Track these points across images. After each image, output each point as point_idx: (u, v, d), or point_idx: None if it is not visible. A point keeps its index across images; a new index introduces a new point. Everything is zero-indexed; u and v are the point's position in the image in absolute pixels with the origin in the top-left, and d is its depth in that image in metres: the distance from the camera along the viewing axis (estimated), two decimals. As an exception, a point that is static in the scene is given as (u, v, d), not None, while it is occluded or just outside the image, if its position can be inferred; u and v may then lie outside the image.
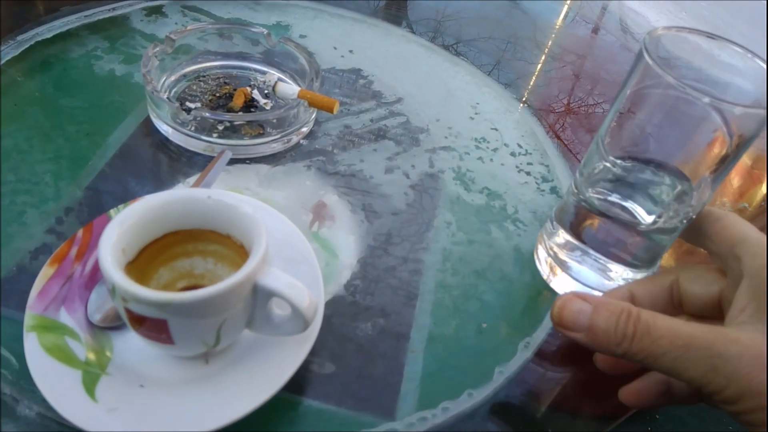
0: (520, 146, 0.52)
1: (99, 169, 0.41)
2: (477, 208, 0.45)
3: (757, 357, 0.25)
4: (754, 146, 0.65)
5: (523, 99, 0.59)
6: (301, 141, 0.47)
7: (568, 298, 0.29)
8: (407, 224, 0.42)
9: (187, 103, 0.46)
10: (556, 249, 0.39)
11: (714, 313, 0.31)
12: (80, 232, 0.34)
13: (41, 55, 0.50)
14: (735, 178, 0.61)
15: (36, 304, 0.30)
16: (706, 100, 0.28)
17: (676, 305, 0.33)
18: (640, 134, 0.32)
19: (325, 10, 0.64)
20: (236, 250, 0.30)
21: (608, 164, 0.34)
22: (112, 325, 0.30)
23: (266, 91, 0.48)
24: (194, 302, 0.25)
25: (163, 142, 0.44)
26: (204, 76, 0.49)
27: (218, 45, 0.50)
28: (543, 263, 0.40)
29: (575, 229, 0.37)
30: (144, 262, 0.29)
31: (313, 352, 0.31)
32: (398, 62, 0.59)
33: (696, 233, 0.33)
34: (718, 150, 0.31)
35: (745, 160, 0.64)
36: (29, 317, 0.29)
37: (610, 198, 0.35)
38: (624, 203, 0.34)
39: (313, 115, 0.48)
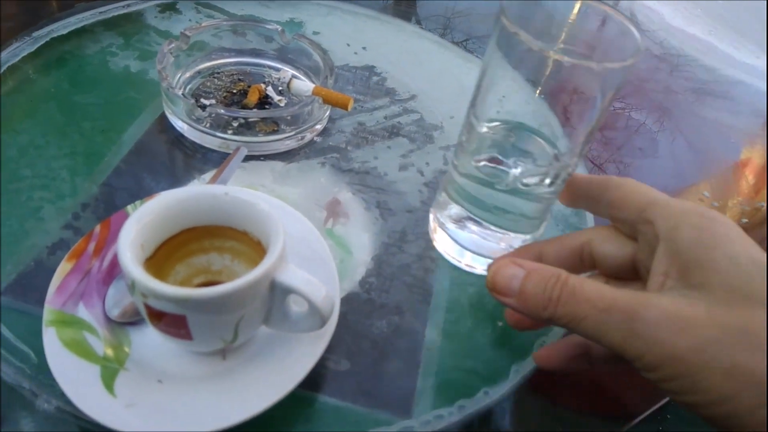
0: (534, 144, 0.52)
1: (114, 166, 0.41)
2: (492, 206, 0.45)
3: (678, 322, 0.24)
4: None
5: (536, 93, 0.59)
6: (315, 138, 0.47)
7: (503, 263, 0.29)
8: (422, 222, 0.42)
9: (202, 100, 0.46)
10: (442, 217, 0.39)
11: (629, 274, 0.31)
12: (98, 228, 0.34)
13: (57, 51, 0.50)
14: (750, 176, 0.61)
15: (55, 299, 0.30)
16: (536, 47, 0.29)
17: (587, 266, 0.32)
18: (509, 99, 0.33)
19: (338, 6, 0.64)
20: (253, 247, 0.30)
21: (482, 131, 0.34)
22: (130, 320, 0.31)
23: (280, 88, 0.48)
24: (214, 298, 0.25)
25: (178, 139, 0.44)
26: (218, 73, 0.49)
27: (232, 42, 0.50)
28: (431, 227, 0.41)
29: (458, 197, 0.37)
30: (162, 258, 0.29)
31: (329, 349, 0.31)
32: (411, 59, 0.59)
33: (596, 202, 0.32)
34: (583, 107, 0.31)
35: (760, 156, 0.63)
36: (48, 312, 0.30)
37: (486, 164, 0.35)
38: (500, 167, 0.34)
39: (327, 113, 0.47)
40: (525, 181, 0.34)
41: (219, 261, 0.31)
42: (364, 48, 0.59)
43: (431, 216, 0.41)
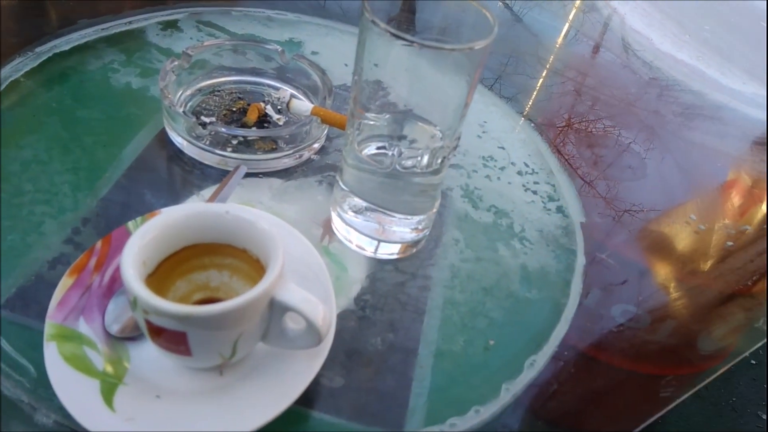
0: (526, 165, 0.53)
1: (115, 180, 0.42)
2: (484, 226, 0.46)
3: None
4: (755, 168, 0.66)
5: (524, 113, 0.61)
6: (313, 156, 0.48)
7: None
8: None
9: (202, 118, 0.47)
10: (341, 208, 0.41)
11: None
12: (99, 244, 0.35)
13: (59, 66, 0.51)
14: (735, 198, 0.62)
15: (56, 314, 0.31)
16: (395, 34, 0.30)
17: None
18: (387, 90, 0.35)
19: (337, 27, 0.65)
20: (252, 264, 0.31)
21: (367, 122, 0.36)
22: (130, 336, 0.31)
23: (279, 107, 0.49)
24: (214, 315, 0.26)
25: (177, 155, 0.45)
26: (218, 91, 0.50)
27: (232, 60, 0.51)
28: (334, 219, 0.42)
29: (349, 186, 0.39)
30: (162, 274, 0.30)
31: (323, 366, 0.32)
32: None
33: None
34: (454, 90, 0.34)
35: (745, 179, 0.65)
36: (49, 326, 0.30)
37: (375, 152, 0.37)
38: (382, 153, 0.36)
39: (325, 132, 0.48)
40: (403, 163, 0.36)
41: (218, 278, 0.32)
42: (361, 68, 0.60)
43: (334, 212, 0.42)
